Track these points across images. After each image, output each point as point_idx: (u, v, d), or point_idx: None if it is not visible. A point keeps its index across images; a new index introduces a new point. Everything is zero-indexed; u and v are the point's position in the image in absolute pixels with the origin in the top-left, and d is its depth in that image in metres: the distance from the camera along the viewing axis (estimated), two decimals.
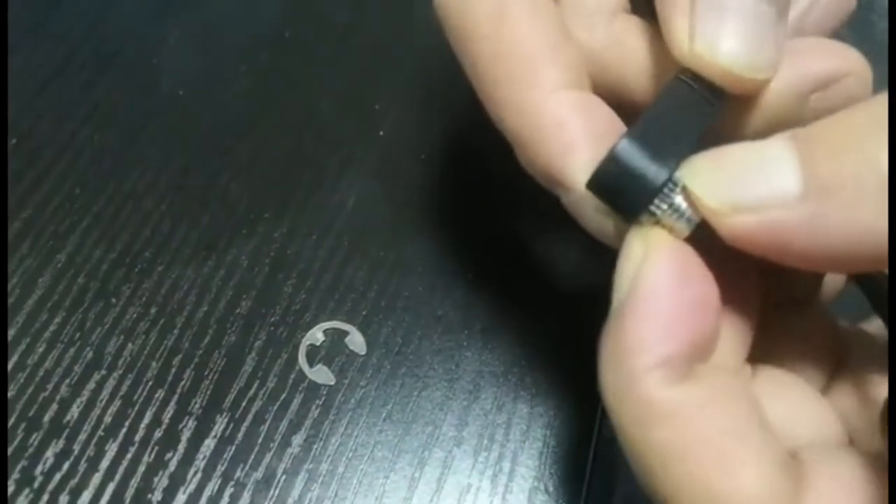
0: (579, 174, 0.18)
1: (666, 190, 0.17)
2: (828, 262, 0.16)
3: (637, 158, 0.17)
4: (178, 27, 0.35)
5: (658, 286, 0.17)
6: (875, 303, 0.19)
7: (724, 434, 0.16)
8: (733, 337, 0.19)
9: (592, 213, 0.19)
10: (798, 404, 0.19)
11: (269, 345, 0.27)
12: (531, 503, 0.24)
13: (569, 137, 0.19)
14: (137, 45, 0.35)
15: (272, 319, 0.27)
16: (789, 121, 0.20)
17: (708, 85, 0.19)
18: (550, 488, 0.24)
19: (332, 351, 0.27)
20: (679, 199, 0.17)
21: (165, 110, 0.33)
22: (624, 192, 0.17)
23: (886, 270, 0.17)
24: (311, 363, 0.26)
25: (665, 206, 0.17)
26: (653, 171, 0.17)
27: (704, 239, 0.17)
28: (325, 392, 0.26)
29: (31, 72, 0.34)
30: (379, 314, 0.27)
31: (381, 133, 0.32)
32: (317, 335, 0.27)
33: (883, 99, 0.16)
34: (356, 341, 0.27)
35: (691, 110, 0.18)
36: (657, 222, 0.17)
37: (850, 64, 0.20)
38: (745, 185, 0.16)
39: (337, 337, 0.27)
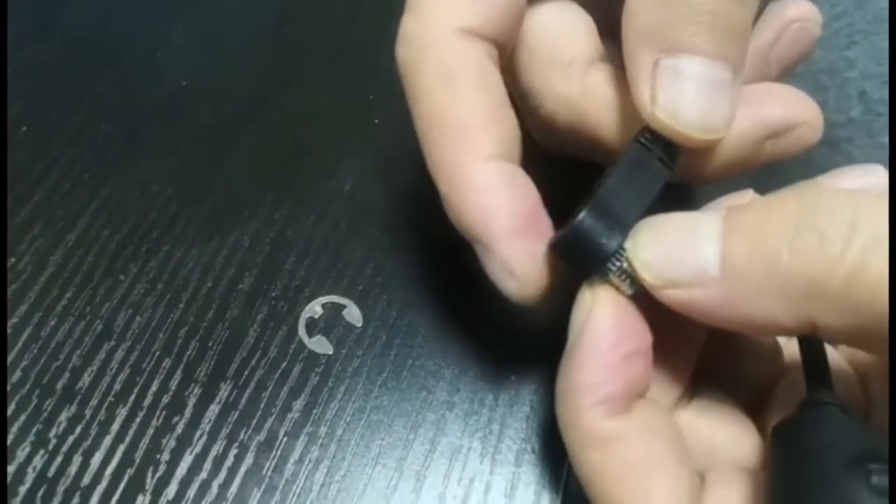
0: (496, 238, 0.21)
1: (616, 256, 0.20)
2: (741, 331, 0.20)
3: (594, 230, 0.20)
4: (182, 24, 0.37)
5: (600, 336, 0.20)
6: (804, 361, 0.21)
7: (646, 462, 0.19)
8: (672, 374, 0.22)
9: (500, 271, 0.21)
10: (720, 427, 0.22)
11: (270, 318, 0.28)
12: (518, 463, 0.26)
13: (490, 205, 0.21)
14: (141, 41, 0.37)
15: (273, 294, 0.29)
16: (746, 162, 0.22)
17: (666, 144, 0.21)
18: (537, 448, 0.26)
19: (331, 323, 0.28)
20: (626, 265, 0.20)
21: (169, 102, 0.34)
22: (581, 258, 0.20)
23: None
24: (310, 334, 0.28)
25: (614, 269, 0.20)
26: (606, 241, 0.20)
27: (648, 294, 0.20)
28: (323, 361, 0.27)
29: (40, 66, 0.35)
30: (375, 290, 0.29)
31: (377, 122, 0.34)
32: (315, 308, 0.28)
33: (797, 195, 0.18)
34: (353, 314, 0.28)
35: (647, 174, 0.21)
36: (607, 281, 0.20)
37: (804, 113, 0.23)
38: (675, 264, 0.19)
39: (335, 310, 0.28)
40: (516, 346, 0.28)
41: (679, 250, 0.19)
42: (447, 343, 0.28)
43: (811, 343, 0.20)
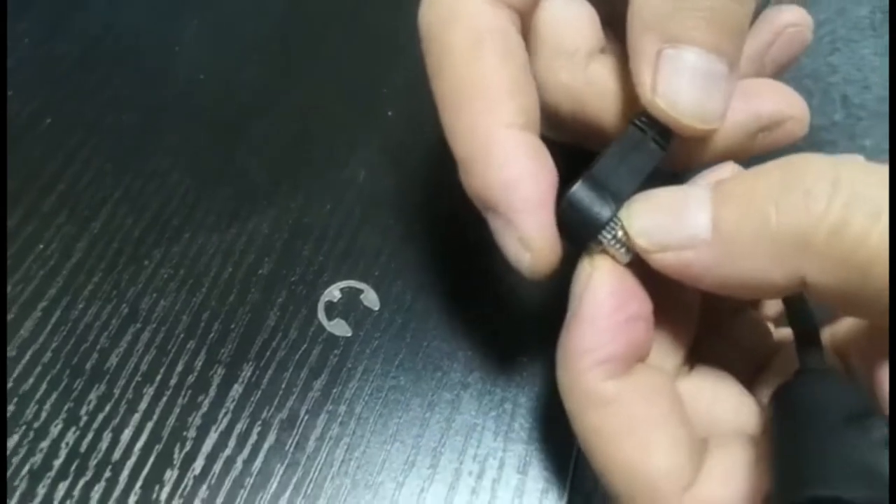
0: (516, 208, 0.21)
1: (610, 225, 0.21)
2: (733, 293, 0.20)
3: (587, 200, 0.21)
4: (196, 20, 0.38)
5: (600, 300, 0.21)
6: (791, 323, 0.22)
7: (647, 424, 0.20)
8: (671, 342, 0.23)
9: (515, 243, 0.21)
10: (720, 397, 0.23)
11: (289, 301, 0.29)
12: (531, 440, 0.27)
13: (513, 174, 0.21)
14: (156, 36, 0.38)
15: (292, 279, 0.30)
16: (737, 153, 0.24)
17: (661, 128, 0.22)
18: (548, 427, 0.27)
19: (349, 306, 0.29)
20: (620, 233, 0.21)
21: (185, 95, 0.35)
22: (576, 227, 0.21)
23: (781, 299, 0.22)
24: (329, 317, 0.29)
25: (609, 238, 0.21)
26: (599, 211, 0.21)
27: (645, 263, 0.21)
28: (342, 343, 0.28)
29: (58, 60, 0.36)
30: (390, 275, 0.30)
31: (390, 114, 0.35)
32: (334, 292, 0.29)
33: (782, 163, 0.19)
34: (370, 298, 0.29)
35: (641, 153, 0.22)
36: (603, 250, 0.21)
37: (793, 109, 0.24)
38: (668, 229, 0.20)
39: (352, 294, 0.29)
40: (528, 328, 0.29)
41: (671, 217, 0.20)
42: (461, 326, 0.29)
43: (801, 312, 0.21)
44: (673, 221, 0.20)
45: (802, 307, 0.21)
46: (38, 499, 0.24)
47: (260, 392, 0.27)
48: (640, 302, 0.21)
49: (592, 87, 0.24)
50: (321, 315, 0.29)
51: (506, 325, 0.29)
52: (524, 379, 0.28)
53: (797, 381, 0.19)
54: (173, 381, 0.27)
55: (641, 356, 0.21)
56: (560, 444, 0.26)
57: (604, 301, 0.21)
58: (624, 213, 0.21)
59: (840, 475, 0.16)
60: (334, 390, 0.27)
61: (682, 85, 0.21)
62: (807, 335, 0.21)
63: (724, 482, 0.19)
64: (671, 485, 0.19)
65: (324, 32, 0.38)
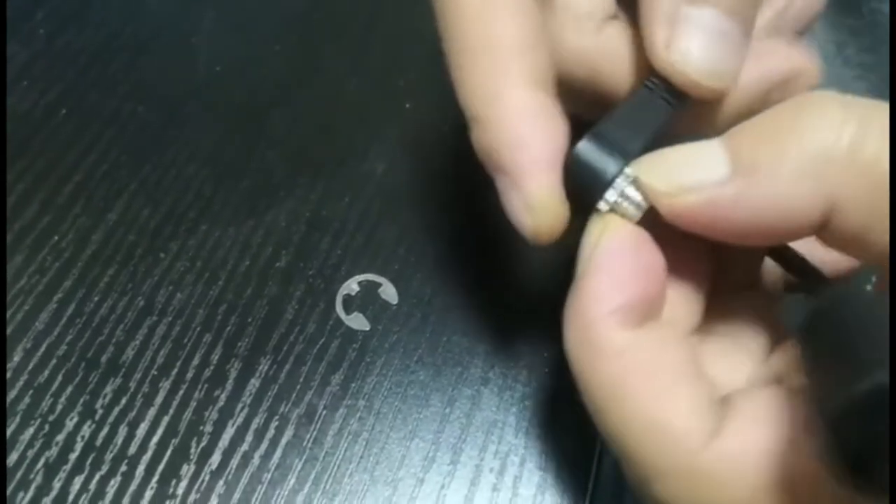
0: (524, 169, 0.20)
1: (619, 181, 0.20)
2: (753, 233, 0.19)
3: (594, 156, 0.20)
4: (214, 11, 0.38)
5: (612, 252, 0.20)
6: (790, 269, 0.22)
7: (664, 373, 0.19)
8: (682, 305, 0.22)
9: (519, 205, 0.21)
10: (736, 366, 0.22)
11: (307, 295, 0.29)
12: (552, 437, 0.26)
13: (523, 134, 0.20)
14: (174, 28, 0.37)
15: (310, 273, 0.29)
16: (752, 113, 0.22)
17: (672, 89, 0.22)
18: (570, 423, 0.26)
19: (367, 300, 0.29)
20: (630, 190, 0.20)
21: (203, 86, 0.35)
22: (582, 185, 0.20)
23: (792, 244, 0.21)
24: (347, 311, 0.28)
25: (618, 195, 0.20)
26: (606, 166, 0.20)
27: (656, 226, 0.20)
28: (360, 337, 0.28)
29: (75, 53, 0.36)
30: (409, 269, 0.29)
31: (408, 106, 0.35)
32: (352, 286, 0.29)
33: (798, 100, 0.19)
34: (389, 292, 0.29)
35: (650, 112, 0.21)
36: (612, 210, 0.20)
37: (804, 64, 0.24)
38: (686, 172, 0.19)
39: (371, 288, 0.29)
40: (549, 323, 0.28)
41: (686, 160, 0.19)
42: (481, 320, 0.28)
43: (795, 258, 0.21)
44: (689, 163, 0.19)
45: (792, 255, 0.21)
46: (55, 492, 0.24)
47: (277, 386, 0.27)
48: (654, 255, 0.20)
49: (606, 52, 0.23)
50: (339, 309, 0.28)
51: (527, 319, 0.28)
52: (546, 375, 0.27)
53: (832, 296, 0.17)
54: (190, 375, 0.27)
55: (654, 313, 0.20)
56: (583, 440, 0.26)
57: (617, 250, 0.20)
58: (635, 166, 0.20)
59: None
60: (353, 385, 0.27)
61: (696, 44, 0.21)
62: (813, 273, 0.20)
63: (748, 432, 0.18)
64: (692, 437, 0.18)
65: (343, 24, 0.37)
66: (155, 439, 0.25)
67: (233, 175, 0.32)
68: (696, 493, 0.18)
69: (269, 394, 0.26)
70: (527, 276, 0.29)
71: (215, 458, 0.25)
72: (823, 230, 0.18)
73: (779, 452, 0.17)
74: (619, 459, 0.20)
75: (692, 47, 0.21)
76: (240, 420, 0.26)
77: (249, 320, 0.28)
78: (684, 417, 0.18)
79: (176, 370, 0.27)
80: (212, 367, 0.27)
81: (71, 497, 0.24)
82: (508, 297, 0.29)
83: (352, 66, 0.36)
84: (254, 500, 0.24)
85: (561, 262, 0.30)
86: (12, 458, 0.25)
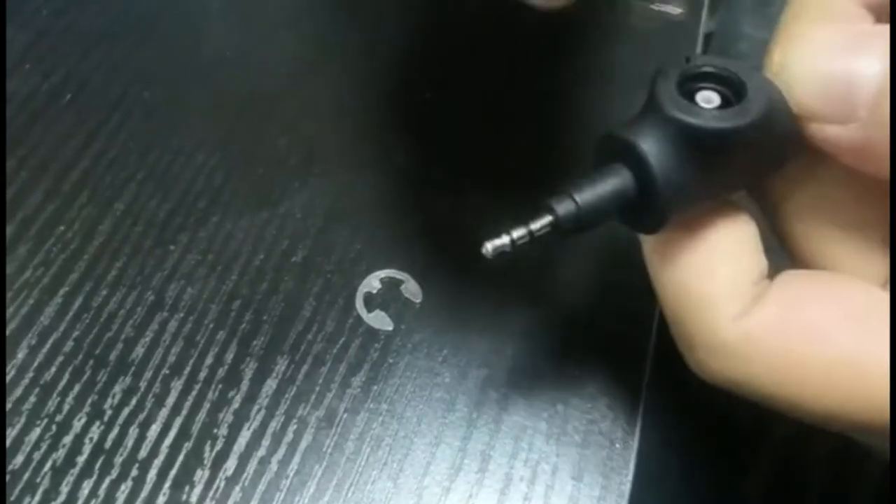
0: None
1: None
2: None
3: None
4: None
5: None
6: None
7: (712, 246, 0.19)
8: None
9: None
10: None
11: (325, 291, 0.27)
12: (586, 444, 0.25)
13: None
14: (179, 12, 0.36)
15: (328, 268, 0.28)
16: None
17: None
18: (604, 429, 0.25)
19: (389, 298, 0.27)
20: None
21: (211, 70, 0.33)
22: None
23: None
24: (368, 309, 0.27)
25: None
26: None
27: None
28: (382, 337, 0.26)
29: (82, 33, 0.34)
30: (432, 264, 0.28)
31: (427, 96, 0.33)
32: (373, 283, 0.27)
33: None
34: (411, 289, 0.27)
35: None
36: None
37: None
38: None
39: (393, 285, 0.28)
40: (580, 322, 0.27)
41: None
42: (508, 319, 0.27)
43: None
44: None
45: None
46: (62, 497, 0.23)
47: (295, 388, 0.25)
48: None
49: None
50: (360, 307, 0.27)
51: (556, 319, 0.27)
52: (576, 378, 0.26)
53: None
54: (202, 375, 0.25)
55: None
56: (618, 448, 0.25)
57: None
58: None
59: None
60: (374, 387, 0.25)
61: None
62: None
63: (768, 313, 0.18)
64: (724, 311, 0.18)
65: (356, 6, 0.36)
66: (167, 442, 0.24)
67: (243, 163, 0.31)
68: (723, 365, 0.19)
69: (287, 395, 0.25)
70: (559, 274, 0.28)
71: (231, 463, 0.24)
72: None
73: (797, 337, 0.18)
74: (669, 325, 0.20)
75: None
76: (256, 423, 0.25)
77: (265, 317, 0.27)
78: (720, 291, 0.19)
79: (188, 369, 0.25)
80: (226, 367, 0.26)
81: (80, 502, 0.23)
82: (537, 295, 0.27)
83: (365, 52, 0.34)
84: None
85: (598, 255, 0.29)
86: (18, 461, 0.23)
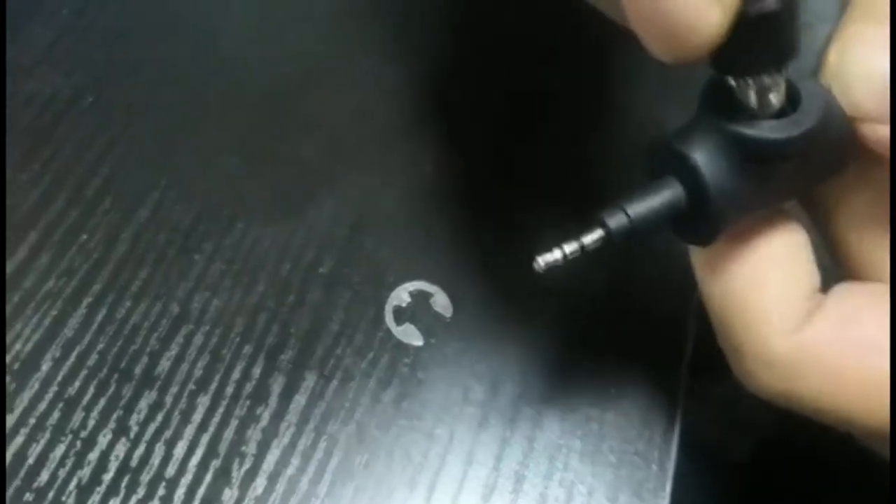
0: None
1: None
2: None
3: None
4: None
5: None
6: None
7: (763, 257, 0.19)
8: None
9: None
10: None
11: (353, 304, 0.27)
12: (621, 464, 0.24)
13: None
14: (202, 9, 0.35)
15: (356, 280, 0.27)
16: None
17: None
18: (640, 449, 0.24)
19: (419, 311, 0.27)
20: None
21: (232, 69, 0.33)
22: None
23: None
24: (398, 322, 0.26)
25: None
26: None
27: None
28: (412, 351, 0.26)
29: (99, 33, 0.34)
30: (462, 276, 0.27)
31: (450, 100, 0.32)
32: (402, 296, 0.27)
33: None
34: (441, 303, 0.27)
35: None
36: None
37: None
38: None
39: (422, 298, 0.27)
40: (617, 337, 0.26)
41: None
42: (541, 334, 0.26)
43: None
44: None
45: None
46: None
47: (325, 404, 0.25)
48: None
49: None
50: (389, 320, 0.26)
51: (589, 333, 0.26)
52: (612, 395, 0.25)
53: None
54: (230, 390, 0.25)
55: None
56: (654, 470, 0.24)
57: None
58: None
59: None
60: (404, 403, 0.25)
61: None
62: None
63: (824, 329, 0.18)
64: (775, 324, 0.18)
65: (379, 11, 0.35)
66: (194, 461, 0.23)
67: (267, 165, 0.30)
68: (775, 379, 0.18)
69: (316, 412, 0.25)
70: (593, 286, 0.27)
71: (260, 482, 0.23)
72: None
73: (853, 352, 0.18)
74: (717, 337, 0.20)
75: None
76: (285, 440, 0.24)
77: (292, 330, 0.26)
78: (772, 305, 0.18)
79: (215, 384, 0.25)
80: (253, 382, 0.25)
81: None
82: (572, 309, 0.27)
83: (390, 51, 0.33)
84: None
85: (632, 270, 0.28)
86: (43, 478, 0.23)
